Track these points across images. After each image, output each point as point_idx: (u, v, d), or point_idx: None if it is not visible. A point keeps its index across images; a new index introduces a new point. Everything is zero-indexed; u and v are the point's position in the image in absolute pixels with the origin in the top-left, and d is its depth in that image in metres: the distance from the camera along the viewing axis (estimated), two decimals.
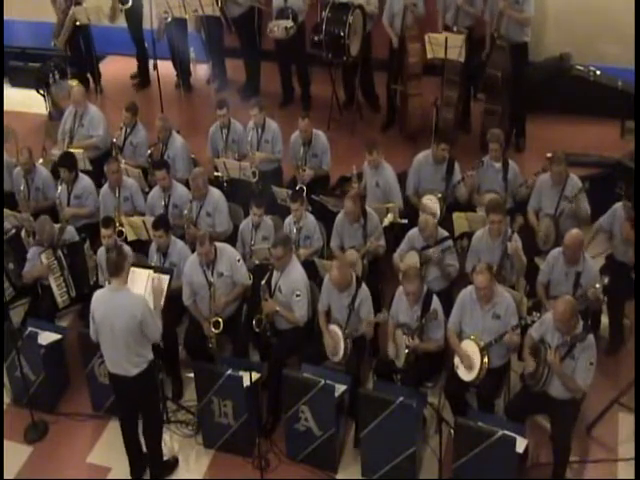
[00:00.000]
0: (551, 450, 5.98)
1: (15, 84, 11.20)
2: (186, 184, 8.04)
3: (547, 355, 5.73)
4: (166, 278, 6.21)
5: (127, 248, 7.16)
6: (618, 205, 6.99)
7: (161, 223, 6.98)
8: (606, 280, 6.34)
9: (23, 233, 7.56)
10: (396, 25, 9.06)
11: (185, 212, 7.57)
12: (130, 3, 10.11)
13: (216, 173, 8.33)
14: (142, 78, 10.86)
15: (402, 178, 7.85)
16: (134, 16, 10.36)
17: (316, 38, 9.06)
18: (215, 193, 7.67)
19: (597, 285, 6.29)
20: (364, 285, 6.51)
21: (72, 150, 8.39)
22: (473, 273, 6.27)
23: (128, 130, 8.59)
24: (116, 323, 5.69)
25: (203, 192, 7.57)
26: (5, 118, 9.46)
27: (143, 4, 10.39)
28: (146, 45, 10.72)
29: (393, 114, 9.56)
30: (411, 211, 7.60)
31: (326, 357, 6.54)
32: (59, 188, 7.95)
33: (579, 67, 9.38)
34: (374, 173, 7.71)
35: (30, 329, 6.77)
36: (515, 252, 6.65)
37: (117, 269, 5.72)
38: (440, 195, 7.59)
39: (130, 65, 10.97)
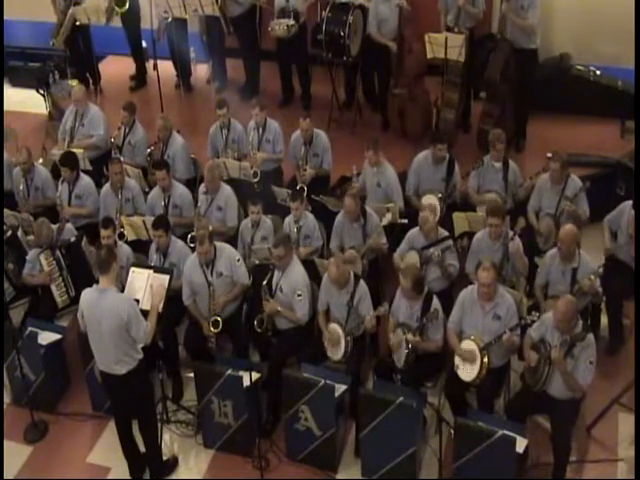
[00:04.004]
0: (551, 450, 5.98)
1: (15, 84, 11.20)
2: (186, 184, 8.06)
3: (550, 353, 5.73)
4: (166, 278, 6.20)
5: (127, 248, 7.20)
6: (625, 204, 6.99)
7: (161, 223, 6.98)
8: (600, 270, 6.35)
9: (20, 232, 7.56)
10: (387, 30, 9.03)
11: (198, 205, 7.63)
12: (126, 7, 10.10)
13: None
14: (139, 79, 10.86)
15: (402, 178, 7.85)
16: (132, 17, 10.35)
17: (319, 36, 9.06)
18: (226, 188, 7.72)
19: (592, 276, 6.30)
20: (362, 282, 6.51)
21: (72, 149, 8.39)
22: (477, 270, 6.25)
23: (127, 130, 8.60)
24: (103, 324, 5.71)
25: (218, 185, 7.61)
26: (5, 118, 9.47)
27: (140, 5, 10.40)
28: (144, 45, 10.75)
29: (386, 112, 9.55)
30: (411, 211, 7.60)
31: (326, 357, 6.54)
32: (60, 187, 7.96)
33: (579, 67, 9.40)
34: (375, 173, 7.71)
35: (30, 329, 6.77)
36: (517, 251, 6.65)
37: (103, 267, 5.74)
38: (440, 195, 7.59)
39: (130, 65, 10.97)
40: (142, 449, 6.27)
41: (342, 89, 9.93)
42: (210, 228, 7.00)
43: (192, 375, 6.45)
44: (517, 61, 8.61)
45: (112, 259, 5.79)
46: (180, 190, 7.81)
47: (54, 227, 7.30)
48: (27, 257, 7.26)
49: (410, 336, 6.20)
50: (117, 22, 10.46)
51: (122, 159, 8.23)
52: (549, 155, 7.34)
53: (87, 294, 5.86)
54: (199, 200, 7.72)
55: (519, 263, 6.74)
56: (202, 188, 7.76)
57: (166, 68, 10.37)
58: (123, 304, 5.73)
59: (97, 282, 5.87)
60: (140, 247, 7.43)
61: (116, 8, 10.10)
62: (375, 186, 7.72)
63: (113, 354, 5.79)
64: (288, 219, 7.40)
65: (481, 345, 6.05)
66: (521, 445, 5.54)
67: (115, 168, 7.76)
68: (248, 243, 7.40)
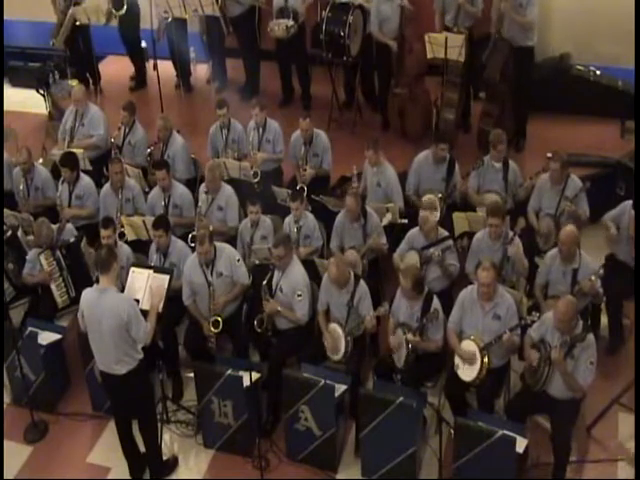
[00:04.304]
0: (551, 450, 5.98)
1: (15, 84, 11.20)
2: (186, 184, 8.05)
3: (550, 354, 5.72)
4: (166, 278, 6.21)
5: (127, 248, 7.19)
6: (625, 204, 6.99)
7: (161, 223, 6.98)
8: (601, 271, 6.35)
9: (20, 232, 7.56)
10: (389, 29, 9.02)
11: (199, 204, 7.63)
12: (124, 10, 10.09)
13: None
14: (138, 79, 10.86)
15: (402, 178, 7.85)
16: (130, 18, 10.34)
17: (321, 36, 9.06)
18: (227, 188, 7.73)
19: (592, 277, 6.30)
20: (362, 282, 6.51)
21: (72, 150, 8.40)
22: (477, 269, 6.25)
23: (127, 129, 8.60)
24: (103, 324, 5.72)
25: (218, 185, 7.62)
26: (5, 118, 9.47)
27: (140, 5, 10.39)
28: (144, 46, 10.74)
29: (386, 112, 9.55)
30: (411, 211, 7.60)
31: (326, 357, 6.54)
32: (60, 188, 7.96)
33: (579, 67, 9.40)
34: (375, 173, 7.72)
35: (30, 329, 6.77)
36: (516, 254, 6.65)
37: (104, 266, 5.75)
38: (440, 195, 7.59)
39: (130, 65, 10.96)
40: (142, 449, 6.28)
41: (342, 89, 9.94)
42: (211, 228, 7.01)
43: (192, 375, 6.45)
44: (514, 59, 8.60)
45: (112, 259, 5.80)
46: (180, 190, 7.81)
47: (54, 227, 7.30)
48: (27, 257, 7.26)
49: (410, 336, 6.20)
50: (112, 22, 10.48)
51: (122, 159, 8.23)
52: (549, 155, 7.34)
53: (87, 294, 5.87)
54: (200, 200, 7.73)
55: (519, 264, 6.74)
56: (203, 188, 7.76)
57: (166, 68, 10.36)
58: (123, 304, 5.74)
59: (97, 282, 5.88)
60: (140, 247, 7.43)
61: (113, 11, 10.10)
62: (375, 186, 7.72)
63: (113, 354, 5.79)
64: (288, 219, 7.40)
65: (481, 345, 6.06)
66: (521, 445, 5.54)
67: (115, 168, 7.77)
68: (247, 243, 7.40)
